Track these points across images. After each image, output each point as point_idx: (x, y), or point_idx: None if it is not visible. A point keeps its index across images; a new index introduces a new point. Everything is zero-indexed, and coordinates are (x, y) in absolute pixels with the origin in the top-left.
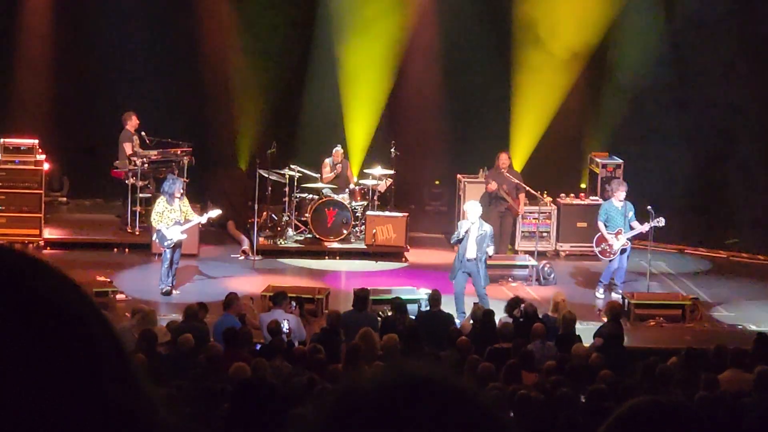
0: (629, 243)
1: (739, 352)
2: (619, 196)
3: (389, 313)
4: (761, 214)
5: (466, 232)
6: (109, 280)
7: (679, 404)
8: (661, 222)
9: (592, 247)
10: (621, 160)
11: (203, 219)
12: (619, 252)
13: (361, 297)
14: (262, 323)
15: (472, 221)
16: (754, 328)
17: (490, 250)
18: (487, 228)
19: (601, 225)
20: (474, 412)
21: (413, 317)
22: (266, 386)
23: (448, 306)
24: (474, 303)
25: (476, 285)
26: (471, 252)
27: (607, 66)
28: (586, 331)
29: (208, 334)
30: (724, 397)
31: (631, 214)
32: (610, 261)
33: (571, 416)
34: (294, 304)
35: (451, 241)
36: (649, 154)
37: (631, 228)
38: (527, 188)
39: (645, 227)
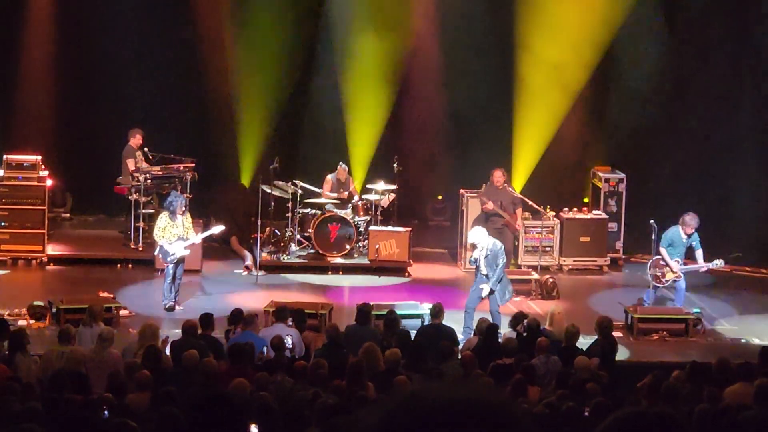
0: (682, 276)
1: (748, 365)
2: (687, 230)
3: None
4: (764, 228)
5: (476, 259)
6: (112, 295)
7: (664, 414)
8: (720, 263)
9: (595, 260)
10: (623, 174)
11: (198, 239)
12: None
13: (364, 311)
14: (262, 339)
15: (481, 246)
16: (757, 341)
17: (492, 272)
18: (499, 246)
19: (663, 251)
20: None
21: (414, 331)
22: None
23: (452, 321)
24: (480, 318)
25: (491, 302)
26: (486, 291)
27: (609, 80)
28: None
29: (208, 349)
30: (725, 410)
31: (694, 244)
32: (655, 288)
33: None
34: (290, 320)
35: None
36: (651, 167)
37: (691, 260)
38: (529, 202)
39: (704, 267)
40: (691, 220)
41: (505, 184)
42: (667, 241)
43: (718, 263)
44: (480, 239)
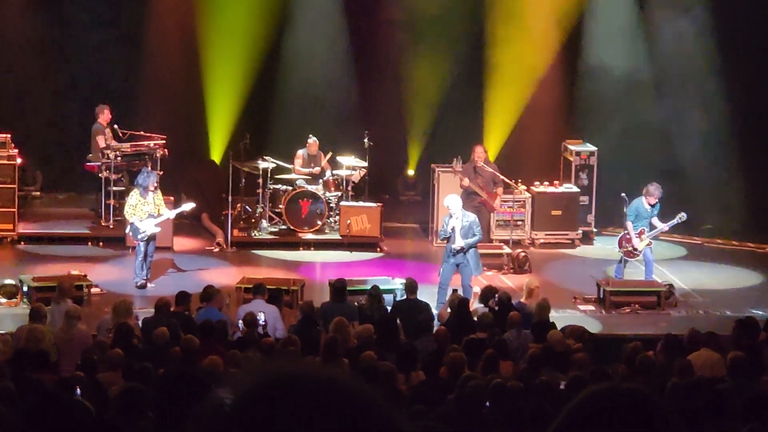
0: (652, 242)
1: (712, 335)
2: (650, 200)
3: (363, 303)
4: (735, 200)
5: (452, 228)
6: (83, 274)
7: (636, 390)
8: (683, 217)
9: (566, 234)
10: (595, 147)
11: (172, 214)
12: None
13: (339, 287)
14: (240, 315)
15: (456, 215)
16: (729, 313)
17: (471, 240)
18: (471, 217)
19: (629, 225)
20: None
21: (389, 306)
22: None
23: (426, 296)
24: (453, 290)
25: (464, 275)
26: (457, 243)
27: (580, 52)
28: (562, 320)
29: (179, 327)
30: (698, 383)
31: (654, 212)
32: (625, 262)
33: (544, 405)
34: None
35: (440, 238)
36: (622, 140)
37: (653, 226)
38: (501, 176)
39: (666, 226)
40: (655, 190)
41: (486, 162)
42: (633, 213)
43: (681, 216)
44: (455, 207)
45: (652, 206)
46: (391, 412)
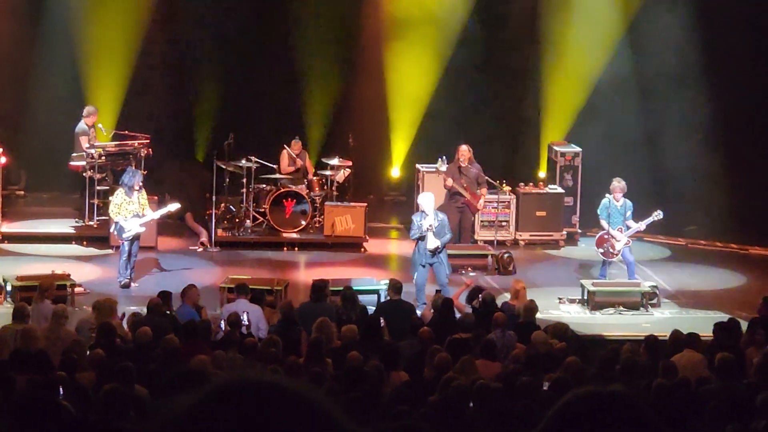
0: (630, 242)
1: (694, 336)
2: (616, 195)
3: (338, 305)
4: (719, 201)
5: (428, 228)
6: (67, 273)
7: (619, 393)
8: (659, 215)
9: (551, 235)
10: (579, 149)
11: (157, 215)
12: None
13: (319, 288)
14: (224, 314)
15: (428, 213)
16: (711, 314)
17: (444, 239)
18: (443, 216)
19: (604, 223)
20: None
21: (372, 307)
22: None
23: (408, 298)
24: (436, 290)
25: (439, 275)
26: (431, 243)
27: (564, 52)
28: (546, 321)
29: (169, 327)
30: (682, 384)
31: (629, 213)
32: (609, 264)
33: (529, 405)
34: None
35: (412, 237)
36: (607, 142)
37: (628, 227)
38: (486, 177)
39: (642, 225)
40: (617, 184)
41: (470, 162)
42: (604, 211)
43: (657, 214)
44: (428, 206)
45: (620, 202)
46: (337, 417)
